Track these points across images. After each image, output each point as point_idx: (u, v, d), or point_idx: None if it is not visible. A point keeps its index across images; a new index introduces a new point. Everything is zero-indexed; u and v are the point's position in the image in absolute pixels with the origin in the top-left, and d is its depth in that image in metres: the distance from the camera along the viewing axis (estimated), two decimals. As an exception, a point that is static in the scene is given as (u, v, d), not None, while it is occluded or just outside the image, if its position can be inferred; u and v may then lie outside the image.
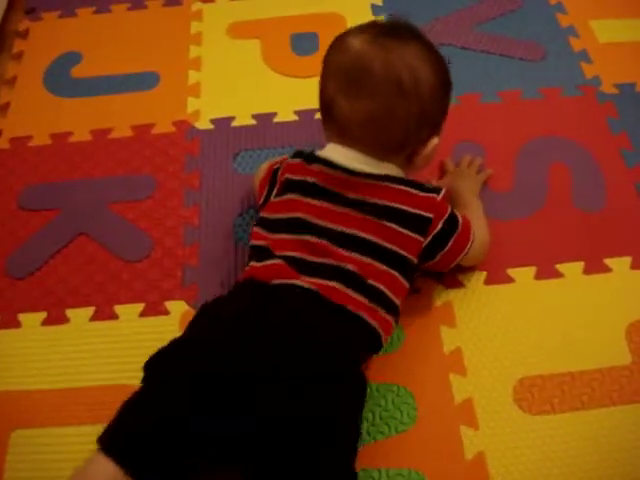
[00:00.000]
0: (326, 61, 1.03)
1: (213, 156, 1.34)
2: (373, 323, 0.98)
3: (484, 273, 1.16)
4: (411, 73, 0.97)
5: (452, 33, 1.53)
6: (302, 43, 1.52)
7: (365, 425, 1.01)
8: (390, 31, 1.00)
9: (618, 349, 1.09)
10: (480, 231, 1.12)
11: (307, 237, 1.00)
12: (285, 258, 1.00)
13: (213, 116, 1.41)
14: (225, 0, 1.64)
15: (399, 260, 1.01)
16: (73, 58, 1.54)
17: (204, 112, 1.42)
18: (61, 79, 1.51)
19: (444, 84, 1.03)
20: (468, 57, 1.48)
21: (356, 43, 0.99)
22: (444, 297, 1.14)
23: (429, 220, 1.02)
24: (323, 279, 0.97)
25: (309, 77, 1.44)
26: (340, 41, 1.02)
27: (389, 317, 1.01)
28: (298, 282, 0.97)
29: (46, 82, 1.50)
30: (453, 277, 1.16)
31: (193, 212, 1.26)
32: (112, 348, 1.12)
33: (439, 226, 1.03)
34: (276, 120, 1.39)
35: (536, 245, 1.20)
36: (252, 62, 1.50)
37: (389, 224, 1.00)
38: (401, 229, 1.00)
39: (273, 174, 1.11)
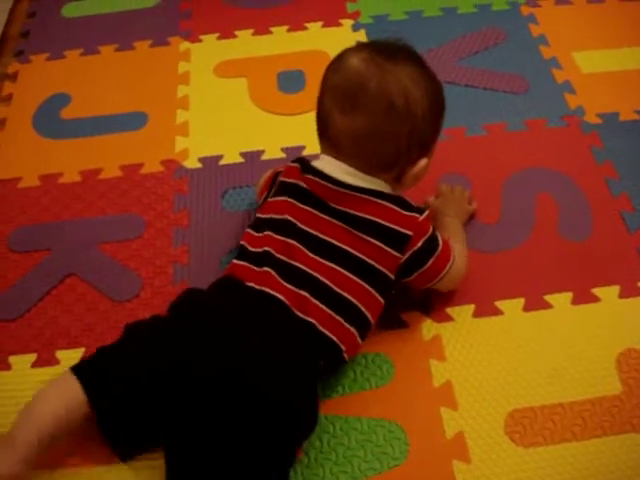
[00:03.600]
0: (324, 77, 1.06)
1: (202, 195, 1.35)
2: (334, 338, 1.00)
3: (472, 306, 1.17)
4: (404, 95, 1.00)
5: (436, 68, 1.49)
6: (288, 81, 1.54)
7: (356, 461, 1.01)
8: (388, 52, 1.03)
9: (608, 379, 1.09)
10: (459, 258, 1.13)
11: (288, 239, 1.03)
12: (263, 255, 1.03)
13: (201, 155, 1.42)
14: (212, 39, 1.66)
15: (374, 274, 1.04)
16: (62, 100, 1.56)
17: (192, 151, 1.43)
18: (50, 121, 1.52)
19: (436, 107, 1.06)
20: (453, 91, 1.48)
21: (354, 61, 1.02)
22: (433, 331, 1.14)
23: (408, 238, 1.04)
24: (295, 287, 1.00)
25: (296, 114, 1.47)
26: (339, 59, 1.05)
27: (355, 332, 1.03)
28: (271, 291, 1.00)
29: (35, 124, 1.51)
30: (442, 311, 1.16)
31: (182, 251, 1.27)
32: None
33: (418, 245, 1.05)
34: (264, 158, 1.40)
35: (524, 276, 1.20)
36: (239, 100, 1.52)
37: (368, 238, 1.03)
38: (379, 244, 1.03)
39: (275, 177, 1.14)
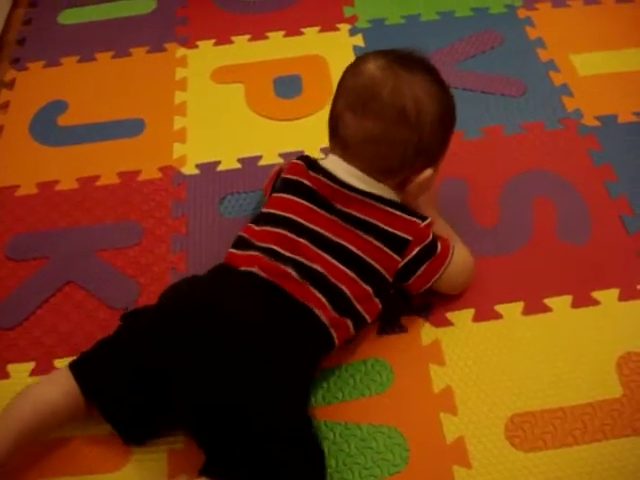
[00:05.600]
0: (341, 79, 1.09)
1: (199, 201, 1.35)
2: (326, 321, 1.02)
3: (472, 310, 1.16)
4: (416, 103, 1.03)
5: (433, 71, 1.54)
6: (285, 86, 1.54)
7: (357, 468, 1.01)
8: (405, 61, 1.06)
9: (609, 382, 1.08)
10: (460, 257, 1.14)
11: (288, 233, 1.05)
12: (262, 249, 1.05)
13: (199, 161, 1.42)
14: (209, 45, 1.66)
15: (373, 274, 1.06)
16: (59, 107, 1.56)
17: (190, 157, 1.42)
18: (47, 128, 1.52)
19: (446, 120, 1.08)
20: (450, 95, 1.49)
21: (370, 67, 1.05)
22: (432, 335, 1.14)
23: (407, 242, 1.06)
24: (293, 273, 1.02)
25: (293, 120, 1.47)
26: (356, 64, 1.09)
27: (348, 321, 1.05)
28: (260, 272, 1.02)
29: (32, 131, 1.51)
30: (441, 315, 1.16)
31: (180, 258, 1.26)
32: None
33: (415, 250, 1.07)
34: (261, 163, 1.40)
35: (523, 280, 1.20)
36: (236, 106, 1.52)
37: (370, 238, 1.05)
38: (380, 245, 1.05)
39: (277, 176, 1.17)
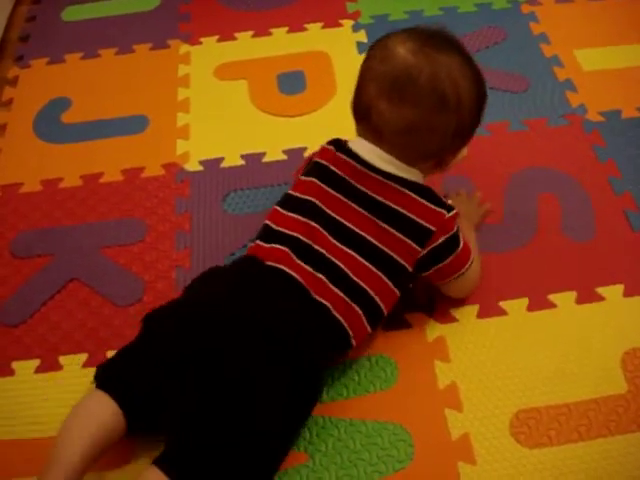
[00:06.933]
0: (367, 66, 1.05)
1: (203, 198, 1.35)
2: (344, 323, 1.02)
3: (476, 306, 1.16)
4: (455, 89, 1.00)
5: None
6: (288, 82, 1.54)
7: (362, 465, 1.01)
8: (435, 42, 1.02)
9: (613, 378, 1.08)
10: (475, 262, 1.13)
11: (312, 222, 1.04)
12: (285, 240, 1.04)
13: (202, 157, 1.42)
14: (212, 42, 1.66)
15: (393, 265, 1.04)
16: (62, 104, 1.56)
17: (193, 154, 1.43)
18: (51, 125, 1.52)
19: (482, 98, 1.06)
20: (454, 91, 1.49)
21: (401, 51, 1.01)
22: (437, 332, 1.14)
23: (430, 233, 1.04)
24: (313, 269, 1.02)
25: (296, 116, 1.47)
26: (384, 47, 1.04)
27: (366, 320, 1.04)
28: (288, 269, 1.02)
29: (36, 128, 1.51)
30: (445, 311, 1.16)
31: (184, 254, 1.27)
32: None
33: (439, 241, 1.05)
34: (265, 160, 1.40)
35: (527, 276, 1.20)
36: (240, 103, 1.52)
37: (391, 229, 1.03)
38: (401, 236, 1.03)
39: (310, 160, 1.15)
